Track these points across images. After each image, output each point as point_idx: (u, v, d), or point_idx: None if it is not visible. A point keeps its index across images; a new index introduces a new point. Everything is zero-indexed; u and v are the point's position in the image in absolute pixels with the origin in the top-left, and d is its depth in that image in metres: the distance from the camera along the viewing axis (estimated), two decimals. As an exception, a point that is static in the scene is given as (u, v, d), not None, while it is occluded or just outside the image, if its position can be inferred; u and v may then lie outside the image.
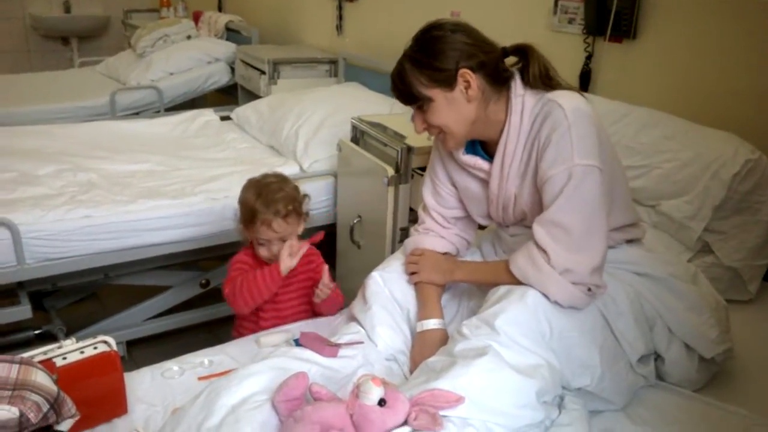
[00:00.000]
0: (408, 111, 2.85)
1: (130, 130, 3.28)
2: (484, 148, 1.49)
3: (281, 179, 1.84)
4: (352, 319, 1.61)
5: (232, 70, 4.24)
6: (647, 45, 2.14)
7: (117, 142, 3.05)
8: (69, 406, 0.95)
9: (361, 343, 1.48)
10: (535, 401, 1.17)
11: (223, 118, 3.48)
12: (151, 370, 1.52)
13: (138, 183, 2.55)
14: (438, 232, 1.61)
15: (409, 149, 2.20)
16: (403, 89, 1.40)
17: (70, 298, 2.80)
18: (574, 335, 1.28)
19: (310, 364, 1.37)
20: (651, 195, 1.83)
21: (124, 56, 4.63)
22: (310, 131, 2.81)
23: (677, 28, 2.04)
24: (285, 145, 2.88)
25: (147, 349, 2.57)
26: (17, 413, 0.87)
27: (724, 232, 1.74)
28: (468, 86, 1.35)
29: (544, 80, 1.37)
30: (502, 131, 1.40)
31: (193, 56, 4.25)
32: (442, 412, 1.12)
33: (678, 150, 1.81)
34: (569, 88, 1.38)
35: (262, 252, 1.79)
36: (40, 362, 1.17)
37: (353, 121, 2.54)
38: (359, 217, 2.45)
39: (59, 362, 1.23)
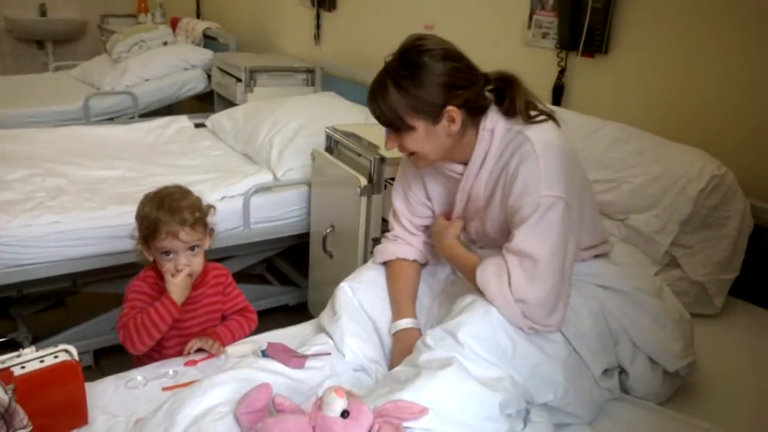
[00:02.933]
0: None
1: (104, 135, 3.25)
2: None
3: (183, 189, 1.73)
4: (321, 330, 1.60)
5: (209, 77, 4.22)
6: (618, 60, 2.17)
7: (90, 148, 3.01)
8: (21, 416, 0.93)
9: (329, 354, 1.47)
10: (499, 414, 1.17)
11: (198, 125, 3.46)
12: (115, 379, 1.49)
13: (109, 189, 2.52)
14: (406, 240, 1.61)
15: (383, 160, 2.20)
16: (383, 111, 1.35)
17: (37, 305, 2.75)
18: (536, 352, 1.29)
19: (276, 375, 1.36)
20: (620, 209, 1.85)
21: (99, 61, 4.58)
22: (285, 140, 2.81)
23: (648, 44, 2.08)
24: (259, 153, 2.87)
25: (115, 358, 2.52)
26: (-35, 424, 0.85)
27: (691, 247, 1.76)
28: (452, 122, 1.34)
29: (525, 114, 1.36)
30: (472, 152, 1.40)
31: (170, 62, 4.23)
32: (405, 424, 1.11)
33: (647, 165, 1.83)
34: (547, 115, 1.38)
35: (169, 266, 1.64)
36: (-2, 371, 1.15)
37: (327, 130, 2.54)
38: (332, 226, 2.44)
39: (17, 371, 1.20)
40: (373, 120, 2.94)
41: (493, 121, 1.38)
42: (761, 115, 1.83)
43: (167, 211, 1.62)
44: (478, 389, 1.17)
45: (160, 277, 1.68)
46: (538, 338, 1.30)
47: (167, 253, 1.63)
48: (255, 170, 2.77)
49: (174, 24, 4.89)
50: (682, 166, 1.77)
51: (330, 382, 1.39)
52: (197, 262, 1.68)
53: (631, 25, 2.11)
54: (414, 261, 1.60)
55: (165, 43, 4.51)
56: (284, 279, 3.19)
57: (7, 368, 1.19)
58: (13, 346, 2.43)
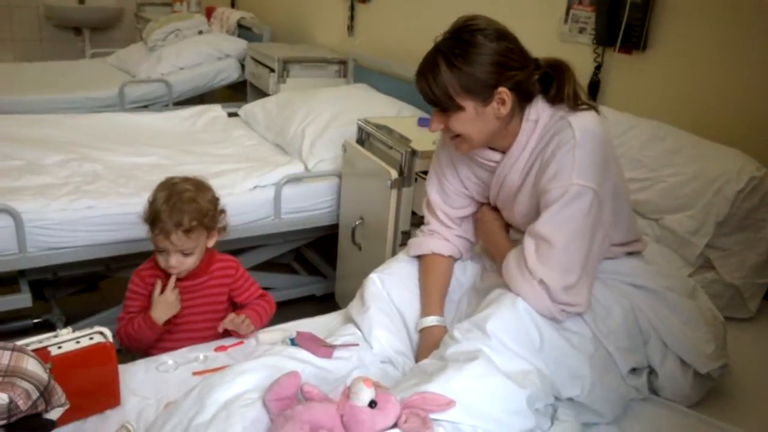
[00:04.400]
0: (414, 115, 2.85)
1: (138, 122, 3.30)
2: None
3: (199, 188, 1.69)
4: (349, 320, 1.61)
5: (242, 66, 4.25)
6: (656, 57, 2.13)
7: (124, 135, 3.06)
8: (59, 395, 0.95)
9: (357, 345, 1.48)
10: (526, 408, 1.17)
11: (231, 115, 3.49)
12: (146, 363, 1.52)
13: (143, 176, 2.56)
14: (442, 234, 1.60)
15: (414, 153, 2.20)
16: (433, 89, 1.32)
17: (70, 288, 2.81)
18: (563, 344, 1.28)
19: (304, 364, 1.37)
20: (654, 208, 1.82)
21: (135, 49, 4.64)
22: (317, 131, 2.82)
23: (686, 41, 2.04)
24: (291, 143, 2.89)
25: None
26: (6, 399, 0.87)
27: (726, 249, 1.73)
28: (502, 105, 1.32)
29: (572, 101, 1.34)
30: (513, 140, 1.39)
31: (204, 51, 4.26)
32: (432, 416, 1.11)
33: (683, 164, 1.80)
34: (591, 106, 1.37)
35: (160, 260, 1.66)
36: (36, 350, 1.17)
37: (359, 122, 2.54)
38: (361, 218, 2.45)
39: (54, 351, 1.23)
40: (405, 113, 2.96)
41: (538, 110, 1.36)
42: (803, 116, 1.79)
43: (169, 208, 1.60)
44: (504, 383, 1.17)
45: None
46: (566, 331, 1.30)
47: (160, 249, 1.64)
48: (287, 161, 2.79)
49: (209, 13, 4.93)
50: (720, 166, 1.73)
51: (357, 373, 1.40)
52: (189, 263, 1.67)
53: (671, 21, 2.07)
54: (449, 257, 1.59)
55: (200, 32, 4.55)
56: (312, 269, 3.21)
57: (45, 347, 1.22)
58: (48, 326, 2.50)
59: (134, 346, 1.69)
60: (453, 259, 1.61)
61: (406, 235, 2.25)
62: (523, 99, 1.36)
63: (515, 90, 1.32)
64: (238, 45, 4.32)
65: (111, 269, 2.61)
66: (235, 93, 4.51)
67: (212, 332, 1.69)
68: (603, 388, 1.30)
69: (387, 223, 2.27)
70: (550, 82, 1.36)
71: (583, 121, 1.31)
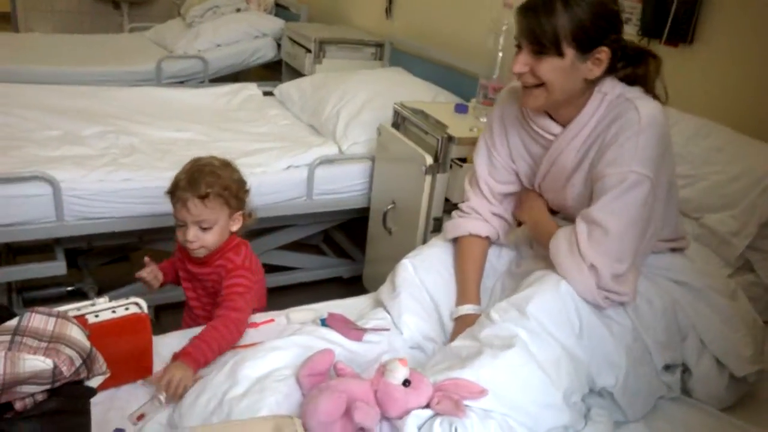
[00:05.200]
0: (451, 101, 2.81)
1: (175, 98, 3.31)
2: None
3: (225, 165, 1.66)
4: (379, 304, 1.61)
5: (279, 46, 4.25)
6: (703, 52, 2.08)
7: (161, 109, 3.08)
8: (100, 363, 0.97)
9: (387, 330, 1.48)
10: (561, 402, 1.16)
11: (266, 93, 3.49)
12: (179, 335, 1.54)
13: (179, 151, 2.58)
14: (481, 213, 1.58)
15: (450, 139, 2.18)
16: (542, 26, 1.26)
17: (103, 258, 2.86)
18: (602, 331, 1.27)
19: (334, 345, 1.38)
20: (696, 207, 1.79)
21: (173, 24, 4.66)
22: (352, 113, 2.81)
23: (735, 37, 1.98)
24: (325, 125, 2.88)
25: (175, 315, 2.60)
26: (51, 365, 0.88)
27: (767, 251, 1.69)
28: (598, 65, 1.30)
29: (646, 84, 1.35)
30: (577, 113, 1.38)
31: (241, 29, 4.26)
32: (464, 402, 1.11)
33: (727, 162, 1.76)
34: (659, 100, 1.35)
35: (179, 235, 1.62)
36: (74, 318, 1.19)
37: (395, 106, 2.52)
38: (393, 203, 2.44)
39: (91, 319, 1.25)
40: (441, 98, 2.93)
41: (609, 85, 1.35)
42: None
43: (188, 176, 1.59)
44: (539, 375, 1.17)
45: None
46: (606, 318, 1.29)
47: (179, 222, 1.61)
48: (320, 142, 2.79)
49: (247, -9, 4.93)
50: (765, 166, 1.69)
51: (387, 357, 1.40)
52: (208, 240, 1.60)
53: (720, 15, 2.02)
54: (486, 238, 1.58)
55: (238, 10, 4.54)
56: (340, 251, 3.22)
57: (83, 315, 1.24)
58: (80, 295, 2.54)
59: None
60: (489, 242, 1.59)
61: (438, 222, 2.24)
62: (609, 69, 1.33)
63: (613, 54, 1.30)
64: (276, 24, 4.31)
65: (143, 241, 2.65)
66: (270, 72, 4.52)
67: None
68: (637, 380, 1.30)
69: (419, 209, 2.25)
70: (629, 65, 1.35)
71: (649, 107, 1.30)
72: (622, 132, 1.28)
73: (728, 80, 2.02)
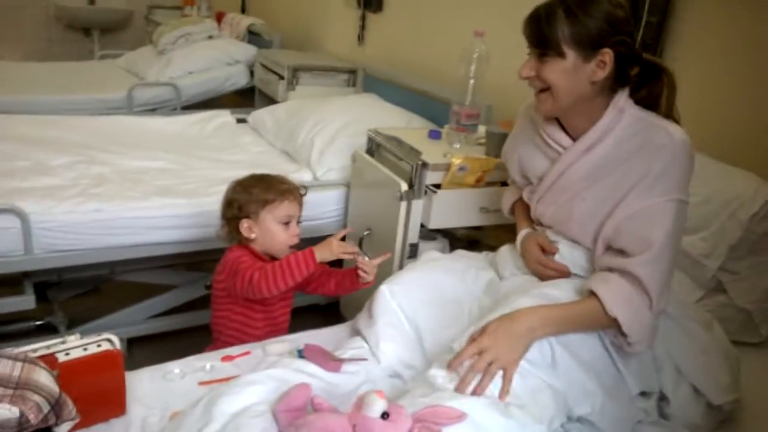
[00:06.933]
0: (425, 126, 2.82)
1: (146, 126, 3.29)
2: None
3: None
4: (356, 332, 1.59)
5: (251, 73, 4.25)
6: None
7: (132, 138, 3.05)
8: (69, 408, 0.94)
9: (365, 360, 1.47)
10: (543, 429, 1.16)
11: (239, 121, 3.48)
12: (152, 371, 1.50)
13: (151, 180, 2.55)
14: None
15: (424, 165, 2.18)
16: (543, 29, 1.32)
17: (73, 290, 2.79)
18: (571, 360, 1.27)
19: (311, 377, 1.36)
20: (666, 229, 1.81)
21: (144, 51, 4.65)
22: (326, 140, 2.81)
23: (701, 61, 2.03)
24: (299, 151, 2.88)
25: (147, 348, 2.56)
26: (17, 413, 0.86)
27: (739, 273, 1.72)
28: (602, 67, 1.33)
29: (664, 109, 1.38)
30: (590, 126, 1.40)
31: (214, 56, 4.26)
32: (444, 429, 1.10)
33: (695, 186, 1.77)
34: (675, 121, 1.39)
35: (283, 236, 1.75)
36: (43, 356, 1.16)
37: (370, 133, 2.53)
38: (369, 229, 2.44)
39: (62, 357, 1.21)
40: (414, 123, 2.94)
41: (625, 103, 1.38)
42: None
43: (278, 182, 1.79)
44: (517, 405, 1.16)
45: (257, 256, 1.76)
46: (574, 345, 1.29)
47: (286, 223, 1.76)
48: (295, 168, 2.78)
49: (219, 18, 4.94)
50: (734, 189, 1.72)
51: (365, 387, 1.39)
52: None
53: (685, 41, 2.07)
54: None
55: (210, 37, 4.55)
56: (316, 278, 3.18)
57: (52, 354, 1.20)
58: (49, 329, 2.48)
59: (278, 283, 1.63)
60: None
61: (414, 248, 2.24)
62: (617, 81, 1.36)
63: (617, 58, 1.32)
64: (248, 51, 4.32)
65: (115, 273, 2.60)
66: (242, 99, 4.51)
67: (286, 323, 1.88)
68: (613, 406, 1.29)
69: (395, 235, 2.25)
70: (643, 84, 1.39)
71: (679, 131, 1.34)
72: (657, 159, 1.31)
73: (694, 105, 2.06)
